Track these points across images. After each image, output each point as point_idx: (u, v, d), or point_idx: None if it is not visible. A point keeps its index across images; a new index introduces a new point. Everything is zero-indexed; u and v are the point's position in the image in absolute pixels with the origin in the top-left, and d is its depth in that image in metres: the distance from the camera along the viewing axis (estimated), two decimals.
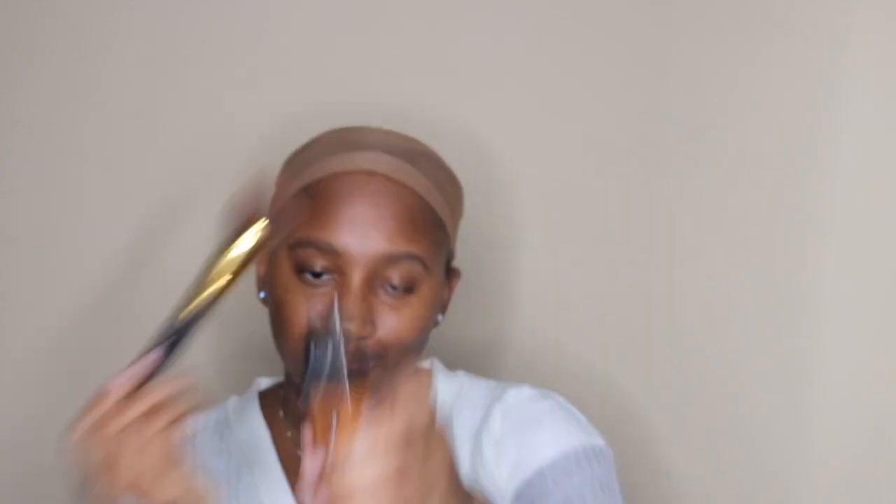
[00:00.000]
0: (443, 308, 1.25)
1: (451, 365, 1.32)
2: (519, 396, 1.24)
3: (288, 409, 1.26)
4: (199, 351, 1.60)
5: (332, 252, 1.15)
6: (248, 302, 1.24)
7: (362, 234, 1.15)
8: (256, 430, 1.26)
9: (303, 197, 1.18)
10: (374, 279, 1.15)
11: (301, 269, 1.16)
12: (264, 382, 1.33)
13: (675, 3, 1.53)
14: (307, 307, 1.15)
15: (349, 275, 1.15)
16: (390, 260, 1.15)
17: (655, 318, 1.57)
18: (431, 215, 1.19)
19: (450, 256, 1.24)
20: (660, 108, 1.53)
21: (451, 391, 1.27)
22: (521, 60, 1.57)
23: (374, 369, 1.16)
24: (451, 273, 1.26)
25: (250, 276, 1.18)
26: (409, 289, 1.16)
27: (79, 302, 1.63)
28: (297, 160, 1.23)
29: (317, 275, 1.16)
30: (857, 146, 1.43)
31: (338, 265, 1.15)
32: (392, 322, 1.16)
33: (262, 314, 1.23)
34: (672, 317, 1.55)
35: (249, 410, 1.27)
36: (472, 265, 1.56)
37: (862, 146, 1.43)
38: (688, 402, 1.54)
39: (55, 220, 1.63)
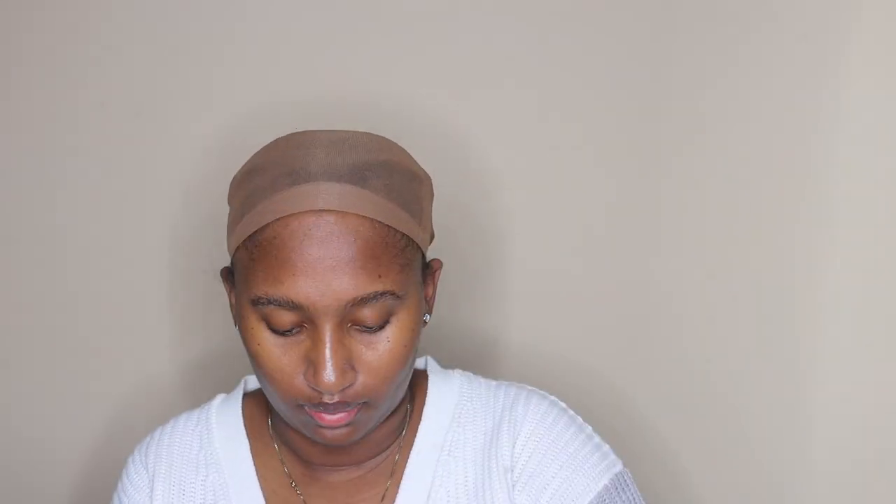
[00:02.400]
0: (428, 307, 1.20)
1: (446, 361, 1.32)
2: (531, 416, 1.20)
3: (276, 423, 1.24)
4: (190, 349, 1.62)
5: (295, 307, 1.08)
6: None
7: (322, 283, 1.07)
8: (237, 446, 1.23)
9: (251, 248, 1.11)
10: (346, 323, 1.10)
11: (270, 327, 1.11)
12: (252, 382, 1.30)
13: (675, 2, 1.53)
14: (286, 362, 1.11)
15: (318, 325, 1.09)
16: (359, 303, 1.09)
17: (655, 317, 1.56)
18: (394, 238, 1.11)
19: (426, 258, 1.20)
20: (659, 107, 1.53)
21: (448, 393, 1.25)
22: (519, 57, 1.57)
23: (363, 411, 1.13)
24: (428, 269, 1.21)
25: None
26: (384, 322, 1.11)
27: (77, 301, 1.63)
28: (243, 189, 1.16)
29: (286, 331, 1.11)
30: (858, 146, 1.43)
31: (305, 317, 1.09)
32: (372, 359, 1.12)
33: None
34: (672, 315, 1.55)
35: (232, 417, 1.24)
36: (467, 262, 1.56)
37: (863, 146, 1.43)
38: (687, 400, 1.54)
39: (55, 220, 1.64)
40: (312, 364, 1.09)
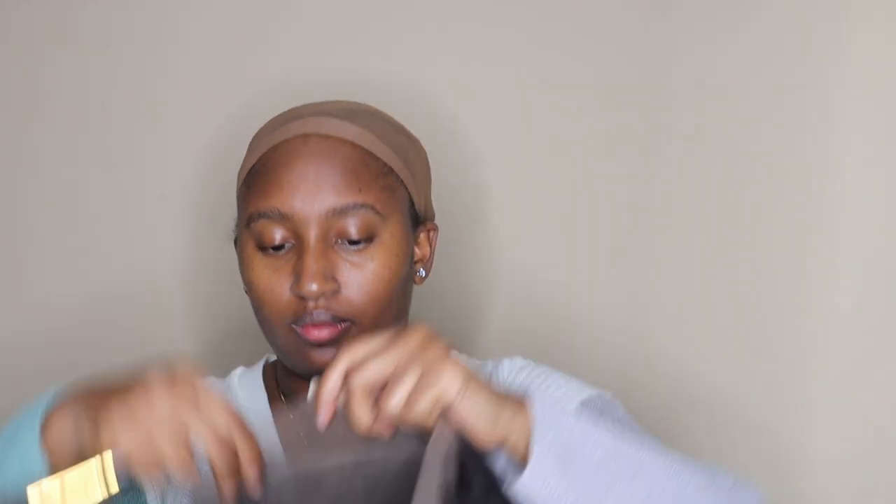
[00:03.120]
0: (425, 263, 1.26)
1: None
2: (517, 366, 1.24)
3: (281, 380, 1.27)
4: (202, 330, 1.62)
5: (282, 217, 1.17)
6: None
7: (307, 193, 1.16)
8: (257, 400, 1.27)
9: (248, 179, 1.20)
10: (331, 235, 1.17)
11: (262, 246, 1.18)
12: (273, 357, 1.33)
13: (675, 2, 1.53)
14: (275, 280, 1.17)
15: (304, 236, 1.16)
16: (340, 213, 1.16)
17: (655, 315, 1.56)
18: (377, 164, 1.20)
19: (418, 208, 1.24)
20: (660, 106, 1.52)
21: None
22: (517, 55, 1.57)
23: (350, 332, 1.17)
24: (422, 225, 1.26)
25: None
26: (368, 238, 1.17)
27: (76, 301, 1.64)
28: (249, 146, 1.26)
29: (277, 248, 1.17)
30: (859, 146, 1.43)
31: (292, 230, 1.17)
32: (356, 276, 1.18)
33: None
34: (671, 315, 1.55)
35: (252, 380, 1.28)
36: (454, 253, 1.56)
37: (864, 145, 1.43)
38: (687, 399, 1.54)
39: (53, 220, 1.64)
40: (297, 274, 1.16)
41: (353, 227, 1.17)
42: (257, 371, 1.30)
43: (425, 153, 1.29)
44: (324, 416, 0.98)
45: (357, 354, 0.97)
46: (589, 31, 1.55)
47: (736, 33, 1.49)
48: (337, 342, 1.17)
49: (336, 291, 1.17)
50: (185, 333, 1.64)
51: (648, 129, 1.53)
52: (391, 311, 1.20)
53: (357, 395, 0.96)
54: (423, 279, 1.26)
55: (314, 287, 1.15)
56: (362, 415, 0.96)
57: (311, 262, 1.16)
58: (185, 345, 1.63)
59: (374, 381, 0.96)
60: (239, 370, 1.31)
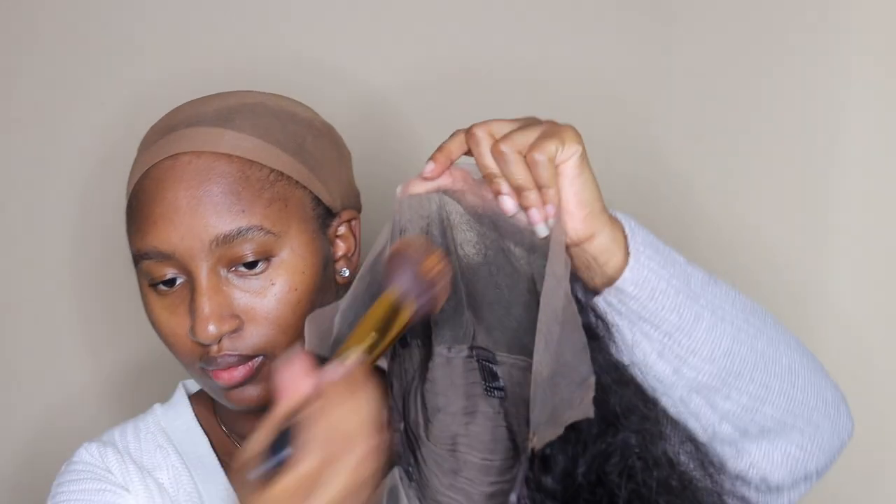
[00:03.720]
0: (349, 258, 1.14)
1: None
2: None
3: (223, 416, 1.19)
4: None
5: (163, 256, 1.05)
6: None
7: (183, 226, 1.04)
8: (198, 444, 1.18)
9: (127, 211, 1.10)
10: (221, 266, 1.06)
11: (153, 283, 1.08)
12: (191, 385, 1.23)
13: (676, 2, 1.53)
14: (175, 322, 1.07)
15: (192, 272, 1.05)
16: (226, 241, 1.05)
17: None
18: (260, 173, 1.07)
19: (327, 201, 1.12)
20: (658, 106, 1.52)
21: None
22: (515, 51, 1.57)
23: (265, 366, 1.07)
24: (336, 218, 1.13)
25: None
26: (266, 259, 1.06)
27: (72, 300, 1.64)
28: (132, 166, 1.14)
29: (169, 283, 1.07)
30: (861, 144, 1.43)
31: (179, 266, 1.06)
32: (259, 306, 1.06)
33: None
34: None
35: (182, 417, 1.19)
36: None
37: (866, 143, 1.43)
38: None
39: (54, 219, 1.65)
40: (191, 316, 1.05)
41: (244, 253, 1.05)
42: (183, 406, 1.20)
43: (331, 133, 1.16)
44: (440, 166, 0.93)
45: (484, 127, 0.93)
46: (589, 30, 1.56)
47: (737, 32, 1.49)
48: (254, 378, 1.08)
49: (238, 328, 1.06)
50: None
51: (646, 132, 1.53)
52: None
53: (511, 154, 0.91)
54: (347, 279, 1.13)
55: (211, 331, 1.04)
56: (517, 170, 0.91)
57: (204, 305, 1.04)
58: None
59: (499, 133, 0.92)
60: (157, 408, 1.20)
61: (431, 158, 0.94)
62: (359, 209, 1.18)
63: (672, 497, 0.96)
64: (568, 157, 0.92)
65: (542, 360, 0.89)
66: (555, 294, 0.91)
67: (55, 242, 1.65)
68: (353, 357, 0.86)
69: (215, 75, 1.56)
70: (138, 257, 1.08)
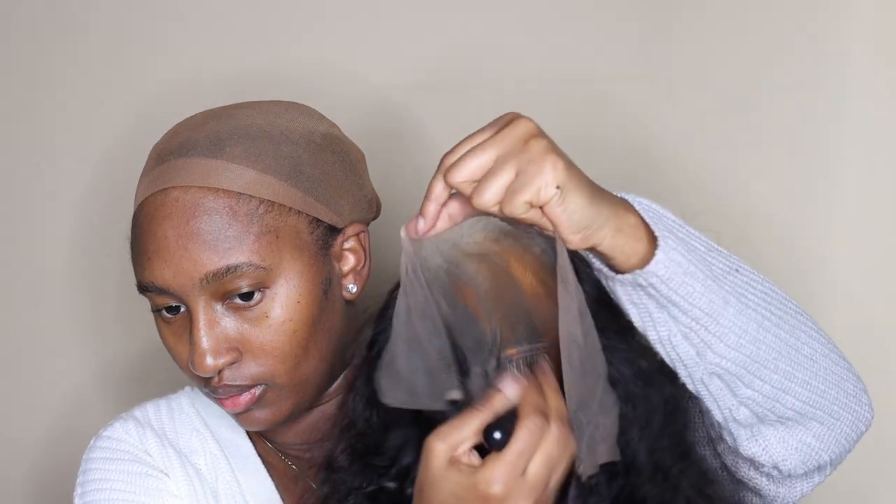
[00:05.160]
0: (357, 272, 1.13)
1: None
2: None
3: None
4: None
5: (161, 291, 1.06)
6: None
7: (174, 264, 1.05)
8: (233, 426, 1.18)
9: (131, 240, 1.11)
10: (216, 300, 1.06)
11: (157, 310, 1.09)
12: None
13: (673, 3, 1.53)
14: (180, 347, 1.08)
15: (190, 306, 1.06)
16: (216, 278, 1.05)
17: None
18: (248, 206, 1.06)
19: (329, 219, 1.11)
20: (659, 105, 1.52)
21: None
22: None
23: (268, 394, 1.08)
24: (340, 234, 1.12)
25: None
26: (260, 290, 1.06)
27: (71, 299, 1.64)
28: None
29: (173, 310, 1.08)
30: (861, 142, 1.43)
31: (178, 300, 1.07)
32: (257, 336, 1.07)
33: None
34: None
35: (215, 403, 1.16)
36: None
37: (866, 139, 1.43)
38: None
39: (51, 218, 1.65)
40: (190, 349, 1.06)
41: (237, 286, 1.05)
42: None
43: (334, 144, 1.14)
44: (430, 220, 0.92)
45: (455, 155, 0.91)
46: (590, 30, 1.56)
47: (737, 32, 1.49)
48: (258, 404, 1.09)
49: (237, 360, 1.07)
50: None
51: (644, 129, 1.53)
52: (311, 359, 1.09)
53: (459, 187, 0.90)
54: (355, 294, 1.13)
55: (209, 364, 1.05)
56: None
57: (201, 340, 1.05)
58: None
59: (473, 175, 0.89)
60: (188, 391, 1.20)
61: (421, 213, 0.93)
62: (374, 215, 1.18)
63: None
64: (546, 200, 0.88)
65: (570, 387, 0.93)
66: (569, 313, 0.92)
67: (57, 239, 1.65)
68: None
69: (218, 76, 1.57)
70: (141, 287, 1.09)
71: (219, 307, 1.06)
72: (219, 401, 1.09)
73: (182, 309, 1.07)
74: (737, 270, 0.99)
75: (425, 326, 0.92)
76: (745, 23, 1.47)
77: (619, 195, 0.95)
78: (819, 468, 1.04)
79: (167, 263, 1.05)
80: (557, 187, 0.88)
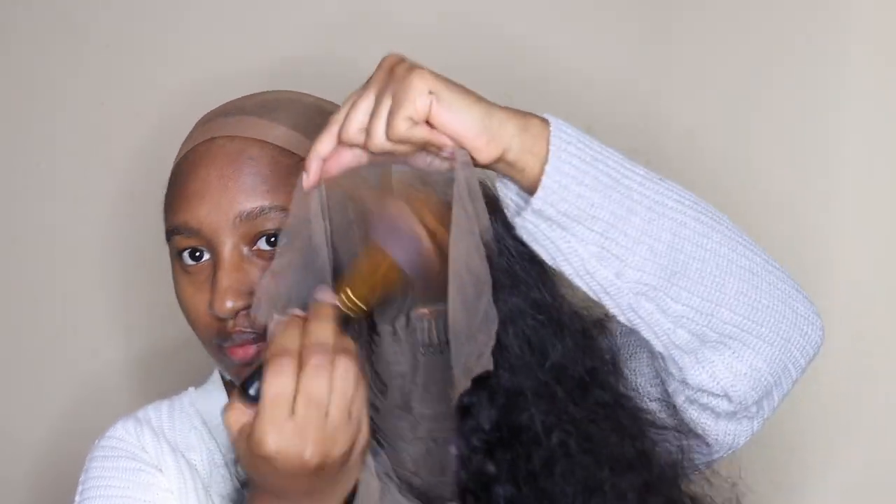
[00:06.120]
0: None
1: None
2: None
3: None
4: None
5: (192, 231, 1.09)
6: None
7: (212, 202, 1.08)
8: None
9: (168, 190, 1.14)
10: (245, 244, 1.09)
11: (180, 253, 1.11)
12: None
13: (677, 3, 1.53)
14: (197, 298, 1.10)
15: (216, 248, 1.09)
16: (249, 218, 1.08)
17: None
18: (289, 160, 1.10)
19: None
20: (659, 104, 1.52)
21: None
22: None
23: None
24: None
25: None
26: None
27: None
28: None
29: (195, 256, 1.10)
30: (861, 141, 1.43)
31: (205, 242, 1.09)
32: None
33: None
34: None
35: (217, 402, 1.18)
36: None
37: (866, 139, 1.43)
38: None
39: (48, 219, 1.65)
40: (211, 290, 1.08)
41: (266, 229, 1.08)
42: (218, 392, 1.20)
43: None
44: (312, 174, 0.93)
45: (340, 114, 0.92)
46: (591, 29, 1.56)
47: (738, 31, 1.49)
48: None
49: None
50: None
51: (644, 129, 1.53)
52: None
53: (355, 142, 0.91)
54: None
55: (228, 305, 1.07)
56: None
57: (223, 279, 1.07)
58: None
59: (362, 123, 0.91)
60: (191, 391, 1.21)
61: (305, 168, 0.94)
62: None
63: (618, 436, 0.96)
64: (424, 108, 0.89)
65: (457, 311, 0.90)
66: (463, 241, 0.90)
67: (56, 240, 1.66)
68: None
69: (218, 76, 1.57)
70: (170, 233, 1.12)
71: (245, 252, 1.09)
72: (228, 350, 1.10)
73: (205, 257, 1.10)
74: (657, 181, 0.96)
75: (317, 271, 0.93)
76: (745, 22, 1.47)
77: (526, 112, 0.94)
78: (767, 395, 1.00)
79: (204, 201, 1.08)
80: (430, 92, 0.89)
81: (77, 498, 1.13)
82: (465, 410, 0.94)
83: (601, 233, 0.93)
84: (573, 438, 0.96)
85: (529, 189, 0.93)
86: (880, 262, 1.45)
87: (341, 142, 0.93)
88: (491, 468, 0.95)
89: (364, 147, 0.92)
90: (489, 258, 0.92)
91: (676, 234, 0.94)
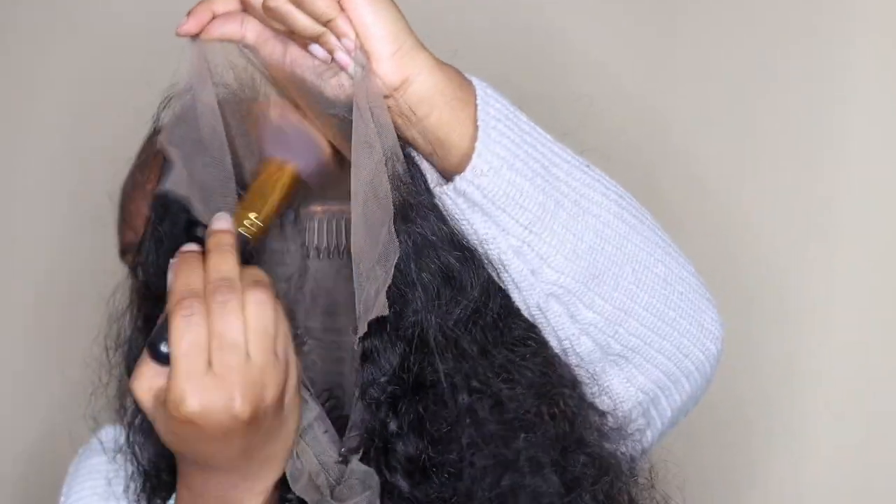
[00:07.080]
0: None
1: None
2: None
3: None
4: None
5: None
6: None
7: None
8: None
9: None
10: None
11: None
12: None
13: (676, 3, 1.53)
14: None
15: None
16: None
17: None
18: None
19: None
20: (659, 103, 1.52)
21: None
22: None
23: None
24: None
25: None
26: None
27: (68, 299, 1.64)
28: None
29: None
30: (867, 135, 1.43)
31: None
32: None
33: None
34: None
35: None
36: None
37: (872, 132, 1.43)
38: None
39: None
40: None
41: None
42: None
43: None
44: (191, 21, 0.82)
45: None
46: (592, 29, 1.56)
47: (739, 31, 1.50)
48: None
49: None
50: None
51: (649, 123, 1.53)
52: None
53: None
54: None
55: None
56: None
57: None
58: None
59: None
60: None
61: (190, 12, 0.83)
62: None
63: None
64: None
65: (359, 235, 0.81)
66: (366, 157, 0.80)
67: (55, 239, 1.66)
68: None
69: None
70: (122, 253, 1.13)
71: None
72: None
73: None
74: (583, 168, 0.86)
75: (214, 145, 0.84)
76: (749, 17, 1.47)
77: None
78: (653, 402, 0.91)
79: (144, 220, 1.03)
80: None
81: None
82: (364, 356, 0.83)
83: (526, 225, 0.84)
84: (484, 401, 0.85)
85: (450, 165, 0.83)
86: (885, 260, 1.44)
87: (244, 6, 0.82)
88: (393, 426, 0.84)
89: (265, 6, 0.80)
90: (397, 182, 0.82)
91: (599, 234, 0.86)
